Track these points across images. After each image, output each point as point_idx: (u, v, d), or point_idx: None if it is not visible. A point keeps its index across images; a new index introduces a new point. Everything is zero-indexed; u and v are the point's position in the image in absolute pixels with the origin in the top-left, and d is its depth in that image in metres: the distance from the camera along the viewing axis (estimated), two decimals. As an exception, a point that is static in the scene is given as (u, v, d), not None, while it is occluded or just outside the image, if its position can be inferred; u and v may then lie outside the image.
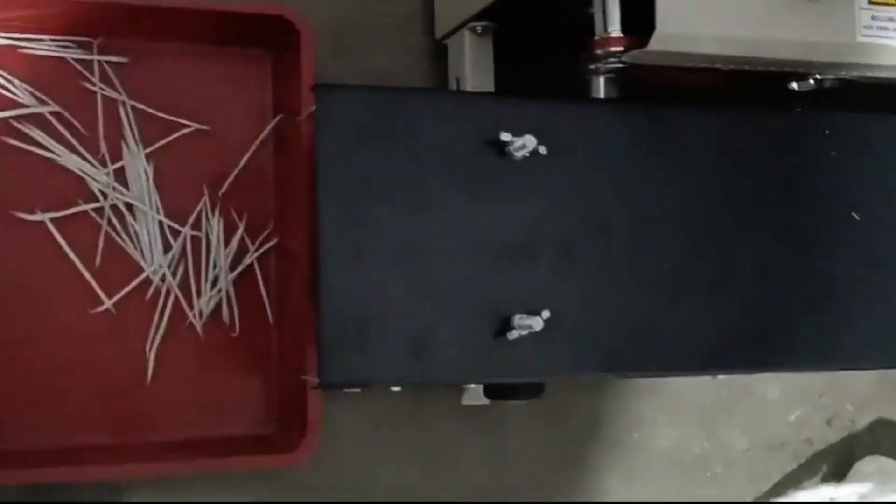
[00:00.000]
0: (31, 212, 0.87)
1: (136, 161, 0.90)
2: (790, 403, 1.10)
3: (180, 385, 0.91)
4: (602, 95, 0.82)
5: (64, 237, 0.88)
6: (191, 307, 0.92)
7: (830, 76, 0.81)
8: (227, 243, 0.93)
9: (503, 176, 0.78)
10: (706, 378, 1.06)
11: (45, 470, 0.82)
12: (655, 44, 0.74)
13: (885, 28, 0.77)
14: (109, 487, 0.89)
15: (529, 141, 0.76)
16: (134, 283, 0.90)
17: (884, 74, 0.80)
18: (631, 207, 0.81)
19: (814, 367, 0.90)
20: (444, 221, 0.77)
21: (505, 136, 0.77)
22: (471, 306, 0.77)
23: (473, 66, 0.91)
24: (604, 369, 0.81)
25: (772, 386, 1.09)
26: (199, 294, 0.92)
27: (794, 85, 0.82)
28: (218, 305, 0.92)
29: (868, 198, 0.85)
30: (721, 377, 1.03)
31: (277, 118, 0.94)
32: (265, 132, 0.94)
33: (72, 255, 0.88)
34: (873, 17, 0.77)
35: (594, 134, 0.81)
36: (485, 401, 0.93)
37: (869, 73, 0.80)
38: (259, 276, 0.94)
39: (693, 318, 0.81)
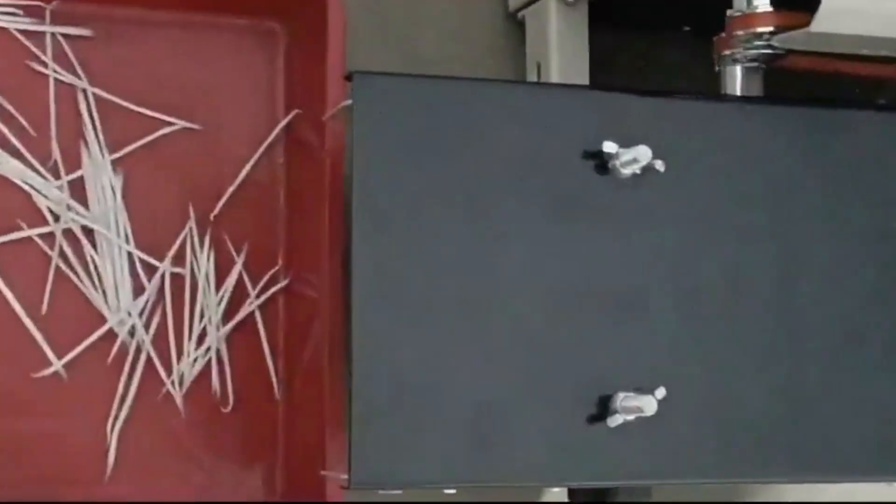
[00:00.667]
0: None
1: (100, 171, 0.91)
2: None
3: (152, 480, 0.91)
4: (739, 92, 0.84)
5: (1, 272, 0.89)
6: (169, 372, 0.92)
7: None
8: (219, 285, 0.94)
9: (604, 200, 0.79)
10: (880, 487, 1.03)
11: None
12: (821, 22, 0.75)
13: None
14: None
15: (642, 153, 0.77)
16: (93, 338, 0.90)
17: None
18: (777, 245, 0.82)
19: None
20: (520, 260, 0.78)
21: (609, 147, 0.78)
22: (556, 379, 0.78)
23: (562, 48, 0.93)
24: (735, 471, 0.82)
25: None
26: (179, 354, 0.92)
27: None
28: (206, 370, 0.93)
29: None
30: None
31: (291, 115, 0.95)
32: (274, 134, 0.95)
33: (10, 296, 0.89)
34: None
35: (729, 144, 0.82)
36: None
37: None
38: (262, 331, 0.94)
39: (856, 402, 0.82)
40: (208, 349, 0.93)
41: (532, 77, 0.95)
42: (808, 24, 0.75)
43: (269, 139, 0.95)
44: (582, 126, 0.79)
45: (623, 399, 0.77)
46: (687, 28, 0.90)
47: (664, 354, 0.80)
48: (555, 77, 0.92)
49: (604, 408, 0.77)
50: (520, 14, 0.98)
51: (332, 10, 0.88)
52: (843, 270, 0.83)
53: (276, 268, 0.95)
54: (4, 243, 0.89)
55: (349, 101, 0.77)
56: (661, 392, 0.77)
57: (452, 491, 0.82)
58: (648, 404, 0.76)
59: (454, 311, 0.77)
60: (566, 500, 0.93)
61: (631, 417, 0.76)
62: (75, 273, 0.90)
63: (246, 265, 0.94)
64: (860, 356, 0.83)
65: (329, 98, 0.87)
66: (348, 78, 0.77)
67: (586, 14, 0.94)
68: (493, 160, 0.78)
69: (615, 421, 0.76)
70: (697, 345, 0.80)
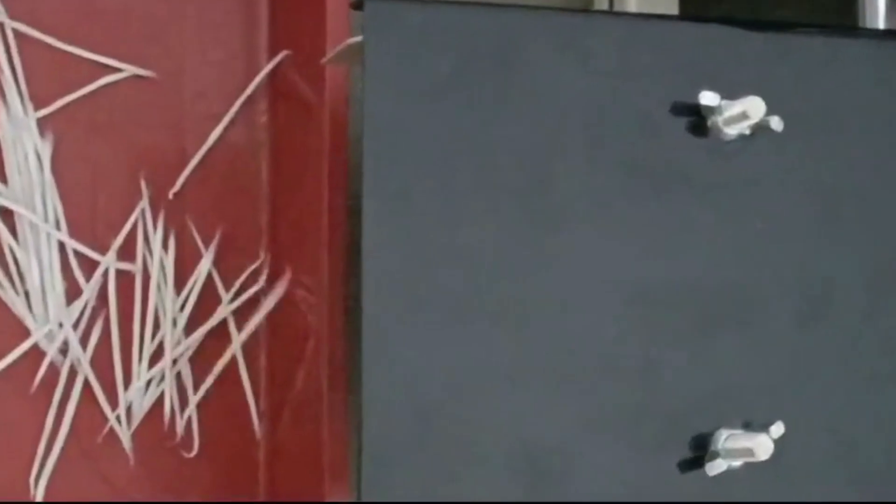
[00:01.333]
0: None
1: (22, 133, 0.92)
2: None
3: None
4: (883, 24, 0.85)
5: None
6: (113, 403, 0.93)
7: None
8: (180, 286, 0.95)
9: (700, 170, 0.79)
10: None
11: None
12: None
13: None
14: None
15: (752, 107, 0.77)
16: (12, 357, 0.91)
17: None
18: None
19: None
20: (585, 250, 0.78)
21: (708, 100, 0.77)
22: (634, 411, 0.78)
23: None
24: None
25: None
26: (127, 379, 0.93)
27: None
28: (163, 400, 0.94)
29: None
30: None
31: (278, 58, 0.97)
32: (255, 84, 0.97)
33: None
34: None
35: (868, 95, 0.82)
36: None
37: None
38: (238, 348, 0.96)
39: None
40: (166, 372, 0.94)
41: (602, 7, 0.96)
42: None
43: (248, 91, 0.97)
44: (670, 71, 0.78)
45: (727, 439, 0.76)
46: None
47: (783, 377, 0.79)
48: (632, 6, 0.93)
49: (701, 450, 0.77)
50: None
51: None
52: None
53: (258, 262, 0.97)
54: None
55: (358, 38, 0.76)
56: (778, 429, 0.76)
57: None
58: (762, 446, 0.75)
59: (498, 320, 0.76)
60: None
61: (737, 463, 0.76)
62: None
63: (216, 259, 0.96)
64: None
65: (329, 34, 0.88)
66: (357, 6, 0.75)
67: None
68: (548, 116, 0.77)
69: (716, 468, 0.76)
70: (827, 366, 0.80)
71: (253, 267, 0.96)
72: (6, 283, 0.91)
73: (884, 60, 0.84)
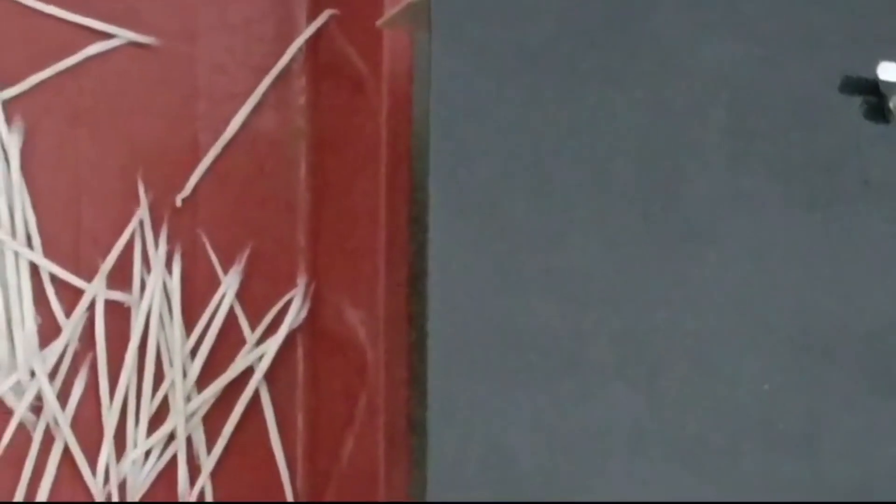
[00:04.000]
0: None
1: None
2: None
3: None
4: None
5: None
6: (102, 478, 0.94)
7: None
8: (190, 323, 0.95)
9: (881, 167, 0.81)
10: None
11: None
12: None
13: None
14: None
15: None
16: None
17: None
18: None
19: None
20: (727, 273, 0.79)
21: (889, 73, 0.79)
22: (796, 487, 0.79)
23: None
24: None
25: None
26: (120, 446, 0.96)
27: None
28: (168, 473, 0.95)
29: None
30: None
31: (320, 20, 0.99)
32: (290, 53, 0.99)
33: None
34: None
35: None
36: None
37: None
38: (268, 405, 0.96)
39: None
40: (172, 437, 0.94)
41: None
42: None
43: (281, 63, 0.99)
44: (841, 38, 0.80)
45: None
46: None
47: None
48: None
49: None
50: None
51: None
52: None
53: (293, 292, 0.97)
54: None
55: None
56: None
57: None
58: None
59: (604, 370, 0.78)
60: None
61: None
62: None
63: (240, 287, 0.96)
64: None
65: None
66: None
67: None
68: (678, 98, 0.79)
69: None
70: None
71: (288, 297, 0.96)
72: None
73: None
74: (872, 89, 0.78)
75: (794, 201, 0.80)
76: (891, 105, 0.78)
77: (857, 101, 0.80)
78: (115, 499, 0.96)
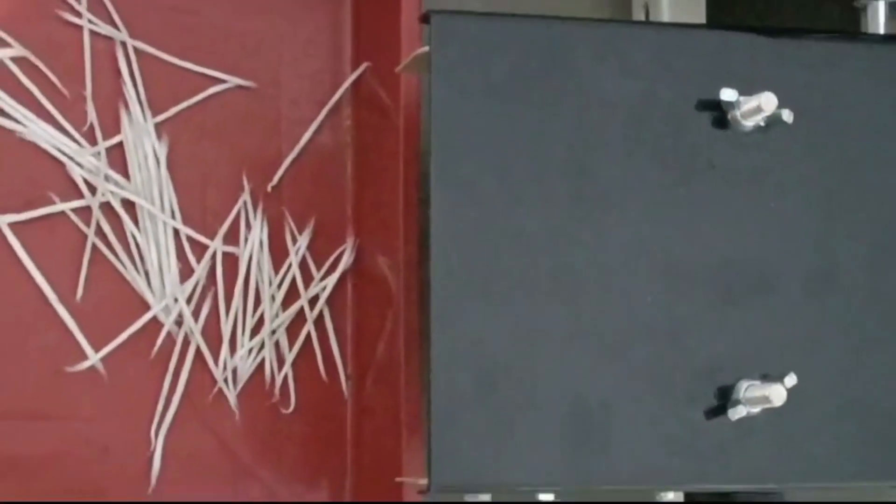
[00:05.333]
0: None
1: (142, 136, 0.92)
2: None
3: (202, 493, 0.93)
4: (883, 30, 0.84)
5: (29, 252, 0.90)
6: (221, 367, 0.94)
7: None
8: (278, 267, 0.95)
9: (722, 157, 0.79)
10: None
11: None
12: None
13: None
14: None
15: (766, 102, 0.77)
16: (134, 328, 0.92)
17: None
18: None
19: None
20: (626, 229, 0.79)
21: (728, 95, 0.78)
22: (668, 367, 0.78)
23: None
24: (882, 474, 0.82)
25: None
26: (233, 346, 0.94)
27: None
28: (264, 365, 0.94)
29: None
30: None
31: (360, 69, 0.96)
32: (341, 91, 0.97)
33: (41, 280, 0.90)
34: None
35: (870, 92, 0.82)
36: None
37: None
38: (328, 319, 0.96)
39: None
40: (266, 340, 0.94)
41: (639, 16, 0.95)
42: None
43: (335, 98, 0.97)
44: (696, 71, 0.79)
45: (747, 388, 0.77)
46: None
47: (794, 338, 0.79)
48: (665, 16, 0.93)
49: (724, 399, 0.77)
50: None
51: None
52: None
53: (344, 246, 0.97)
54: (34, 219, 0.90)
55: (426, 48, 0.77)
56: (791, 380, 0.76)
57: (550, 497, 0.81)
58: (776, 394, 0.76)
59: (550, 291, 0.77)
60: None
61: (756, 409, 0.77)
62: (114, 253, 0.92)
63: (309, 243, 0.96)
64: None
65: (403, 46, 0.88)
66: (425, 19, 0.76)
67: None
68: (594, 113, 0.78)
69: (737, 413, 0.77)
70: (834, 326, 0.80)
71: (340, 250, 0.96)
72: (129, 265, 0.91)
73: (882, 61, 0.83)
74: (717, 106, 0.78)
75: (667, 180, 0.79)
76: (728, 117, 0.78)
77: (707, 115, 0.79)
78: (230, 382, 0.92)
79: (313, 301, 0.96)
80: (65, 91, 0.91)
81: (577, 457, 0.77)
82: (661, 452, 0.78)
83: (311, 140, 0.96)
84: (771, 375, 0.77)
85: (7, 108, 0.90)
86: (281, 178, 0.95)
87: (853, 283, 0.81)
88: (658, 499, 0.92)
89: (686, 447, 0.78)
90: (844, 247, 0.81)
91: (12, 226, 0.89)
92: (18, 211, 0.90)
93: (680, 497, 0.92)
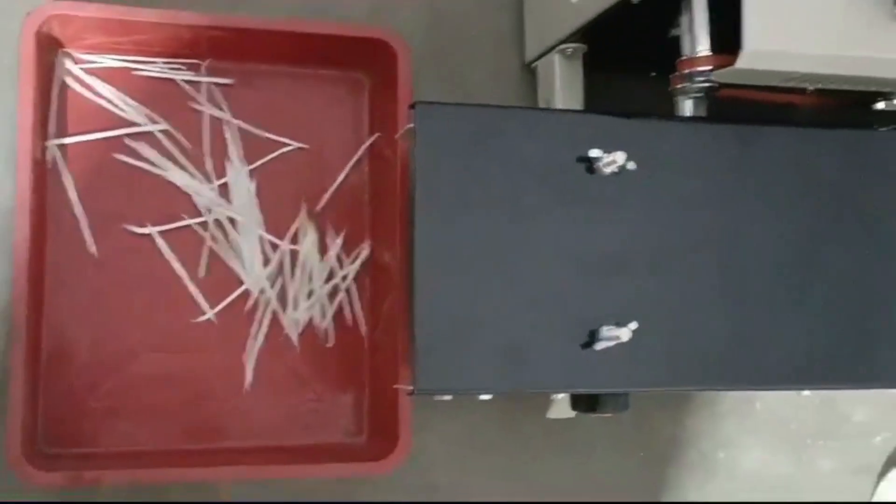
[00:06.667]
0: (141, 225, 0.90)
1: (240, 177, 0.93)
2: (876, 425, 1.09)
3: (275, 394, 0.92)
4: (689, 114, 0.83)
5: (170, 249, 0.91)
6: (288, 319, 0.93)
7: None
8: (322, 257, 0.94)
9: (593, 191, 0.79)
10: (791, 399, 1.06)
11: (149, 471, 0.85)
12: (743, 62, 0.73)
13: None
14: (207, 489, 0.90)
15: (619, 157, 0.78)
16: (234, 295, 0.92)
17: None
18: (717, 223, 0.82)
19: None
20: (537, 234, 0.78)
21: (594, 153, 0.78)
22: (561, 317, 0.78)
23: (563, 88, 0.92)
24: (688, 382, 0.81)
25: (858, 408, 1.08)
26: (295, 306, 0.93)
27: (881, 104, 0.82)
28: (313, 318, 0.94)
29: None
30: (806, 393, 1.03)
31: (374, 136, 0.95)
32: (362, 150, 0.96)
33: (177, 266, 0.91)
34: None
35: (682, 151, 0.81)
36: (571, 414, 0.93)
37: None
38: (353, 290, 0.95)
39: (778, 333, 0.82)
40: (315, 303, 0.94)
41: (542, 103, 0.95)
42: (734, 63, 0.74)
43: (358, 155, 0.96)
44: (577, 138, 0.79)
45: (606, 330, 0.77)
46: (653, 73, 0.90)
47: (637, 299, 0.79)
48: (559, 106, 0.93)
49: (593, 336, 0.78)
50: (533, 65, 0.98)
51: (401, 62, 0.90)
52: (763, 239, 0.82)
53: (362, 246, 0.96)
54: (173, 229, 0.91)
55: (413, 124, 0.77)
56: (633, 325, 0.77)
57: (488, 397, 0.82)
58: (623, 334, 0.77)
59: (490, 270, 0.77)
60: (569, 406, 0.92)
61: (611, 343, 0.77)
62: (222, 250, 0.92)
63: (342, 244, 0.95)
64: (777, 297, 0.82)
65: (399, 123, 0.88)
66: (412, 107, 0.77)
67: (581, 63, 0.93)
68: (517, 162, 0.78)
69: (600, 346, 0.77)
70: (661, 292, 0.80)
71: (360, 248, 0.95)
72: (231, 255, 0.92)
73: (690, 133, 0.82)
74: (588, 160, 0.78)
75: (562, 205, 0.78)
76: (594, 166, 0.78)
77: (583, 165, 0.79)
78: (293, 328, 0.92)
79: (344, 279, 0.95)
80: (192, 150, 0.92)
81: (507, 372, 0.77)
82: (557, 370, 0.78)
83: (343, 181, 0.95)
84: (621, 323, 0.78)
85: (157, 161, 0.91)
86: (324, 204, 0.95)
87: (678, 266, 0.80)
88: (552, 399, 0.94)
89: (571, 366, 0.78)
90: (673, 242, 0.80)
91: (161, 233, 0.90)
92: (164, 224, 0.91)
93: (567, 404, 0.93)
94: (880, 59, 0.76)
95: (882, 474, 1.08)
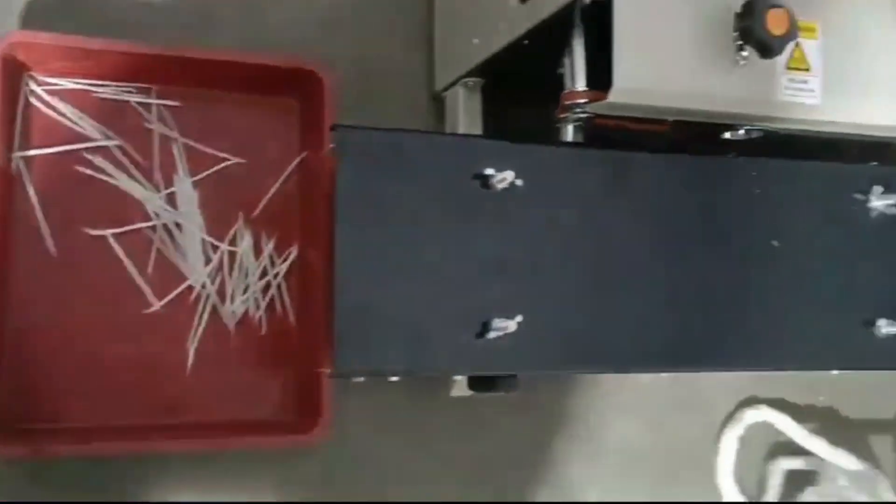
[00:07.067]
0: (97, 228, 0.89)
1: (185, 187, 0.92)
2: (724, 401, 1.12)
3: (215, 375, 0.92)
4: (570, 140, 0.83)
5: (123, 249, 0.90)
6: (226, 310, 0.93)
7: (757, 127, 0.83)
8: (257, 257, 0.94)
9: (487, 203, 0.80)
10: (659, 379, 1.08)
11: (98, 444, 0.85)
12: (614, 97, 0.75)
13: (800, 89, 0.80)
14: (154, 462, 0.90)
15: (508, 175, 0.78)
16: (179, 289, 0.91)
17: (797, 127, 0.83)
18: (592, 232, 0.83)
19: (744, 367, 0.92)
20: (440, 238, 0.79)
21: (488, 171, 0.79)
22: (458, 311, 0.78)
23: (465, 114, 0.93)
24: (567, 366, 0.84)
25: (712, 388, 1.11)
26: (232, 299, 0.93)
27: (727, 134, 0.84)
28: (248, 309, 0.93)
29: (786, 227, 0.87)
30: (665, 375, 1.05)
31: (303, 154, 0.95)
32: (292, 165, 0.96)
33: (129, 264, 0.90)
34: (790, 80, 0.79)
35: (562, 171, 0.82)
36: (469, 393, 0.93)
37: (787, 126, 0.83)
38: (283, 285, 0.95)
39: (644, 325, 0.83)
40: (249, 296, 0.94)
41: (449, 130, 0.96)
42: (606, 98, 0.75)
43: (289, 169, 0.95)
44: (475, 159, 0.79)
45: (496, 322, 0.78)
46: (543, 104, 0.87)
47: (523, 295, 0.80)
48: (461, 131, 0.93)
49: (485, 327, 0.78)
50: (442, 95, 0.98)
51: (327, 90, 0.90)
52: (630, 245, 0.83)
53: (292, 247, 0.95)
54: (126, 232, 0.90)
55: (334, 145, 0.77)
56: (519, 318, 0.78)
57: (396, 379, 0.82)
58: (510, 325, 0.77)
59: (399, 270, 0.77)
60: (467, 386, 0.92)
61: (501, 333, 0.78)
62: (168, 250, 0.92)
63: (274, 246, 0.95)
64: (641, 295, 0.83)
65: (325, 143, 0.87)
66: (333, 129, 0.77)
67: (480, 94, 0.94)
68: (423, 178, 0.78)
69: (491, 335, 0.78)
70: (543, 290, 0.80)
71: (290, 249, 0.95)
72: (177, 255, 0.91)
73: (568, 156, 0.82)
74: (484, 177, 0.77)
75: (467, 213, 0.77)
76: (489, 182, 0.78)
77: (478, 181, 0.78)
78: (230, 318, 0.91)
79: (275, 276, 0.94)
80: (143, 163, 0.91)
81: (412, 358, 0.77)
82: (456, 355, 0.78)
83: (275, 191, 0.95)
84: (509, 315, 0.78)
85: (112, 172, 0.90)
86: (259, 212, 0.94)
87: (558, 268, 0.81)
88: (453, 380, 0.95)
89: (467, 353, 0.78)
90: (554, 247, 0.81)
91: (115, 235, 0.90)
92: (118, 227, 0.90)
93: (465, 384, 0.92)
94: (724, 96, 0.79)
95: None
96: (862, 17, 0.82)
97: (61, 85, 0.90)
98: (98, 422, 0.88)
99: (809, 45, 0.80)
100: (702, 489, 1.09)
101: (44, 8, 0.88)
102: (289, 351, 0.94)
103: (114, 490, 0.89)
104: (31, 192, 0.88)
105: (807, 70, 0.80)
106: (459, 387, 0.96)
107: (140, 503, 0.89)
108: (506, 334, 0.78)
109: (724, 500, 1.07)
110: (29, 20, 0.88)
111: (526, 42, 0.80)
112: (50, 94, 0.89)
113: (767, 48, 0.76)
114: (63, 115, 0.89)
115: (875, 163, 0.91)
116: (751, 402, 1.11)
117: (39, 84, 0.89)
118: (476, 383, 0.90)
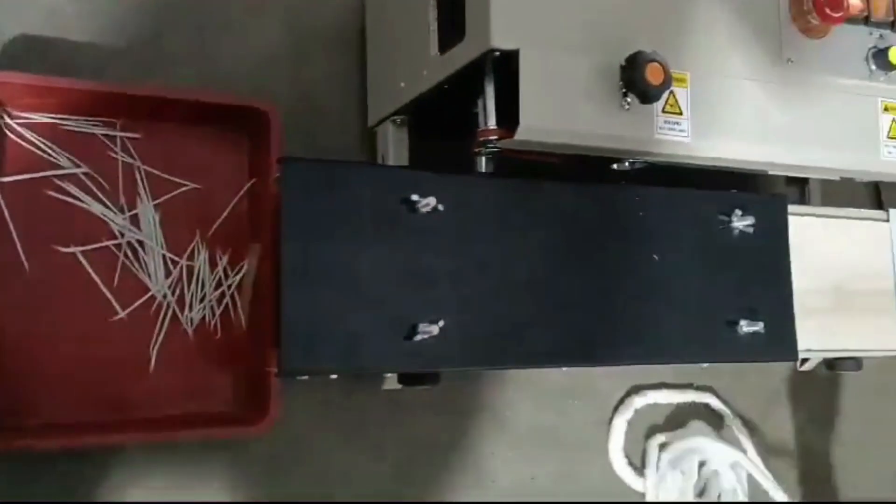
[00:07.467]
0: (66, 245, 0.88)
1: (147, 210, 0.91)
2: (616, 390, 1.14)
3: (175, 375, 0.91)
4: (483, 170, 0.86)
5: (90, 265, 0.89)
6: (185, 317, 0.92)
7: (639, 160, 0.87)
8: (212, 270, 0.93)
9: (414, 225, 0.81)
10: (562, 373, 1.09)
11: (65, 439, 0.84)
12: (520, 135, 0.77)
13: (673, 129, 0.83)
14: (118, 452, 0.89)
15: (431, 201, 0.81)
16: (142, 300, 0.90)
17: (672, 160, 0.86)
18: (503, 249, 0.85)
19: (631, 361, 0.94)
20: (373, 255, 0.80)
21: (414, 197, 0.81)
22: (390, 317, 0.80)
23: (394, 147, 0.93)
24: (483, 363, 0.85)
25: (604, 379, 1.14)
26: (190, 307, 0.92)
27: (615, 166, 0.88)
28: (205, 316, 0.93)
29: (664, 243, 0.90)
30: (565, 369, 1.07)
31: (252, 181, 0.94)
32: (243, 191, 0.95)
33: (96, 277, 0.89)
34: (665, 122, 0.82)
35: (477, 196, 0.84)
36: (398, 387, 0.94)
37: (663, 160, 0.86)
38: (235, 294, 0.94)
39: (547, 327, 0.85)
40: (206, 305, 0.93)
41: (380, 161, 0.95)
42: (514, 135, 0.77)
43: (240, 194, 0.94)
44: (403, 186, 0.81)
45: (422, 326, 0.79)
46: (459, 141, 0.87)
47: (445, 304, 0.81)
48: (391, 162, 0.93)
49: (413, 331, 0.79)
50: (374, 129, 0.97)
51: (273, 125, 0.89)
52: (536, 259, 0.84)
53: (244, 261, 0.93)
54: (93, 249, 0.89)
55: (279, 174, 0.79)
56: (441, 322, 0.80)
57: (335, 377, 0.83)
58: (434, 329, 0.79)
59: (337, 282, 0.78)
60: (397, 381, 0.93)
61: (426, 336, 0.79)
62: (132, 265, 0.90)
63: (228, 261, 0.93)
64: (546, 302, 0.84)
65: (272, 171, 0.87)
66: (279, 161, 0.79)
67: (407, 130, 0.93)
68: (358, 203, 0.79)
69: (418, 338, 0.79)
70: (461, 299, 0.82)
71: (242, 264, 0.93)
72: (141, 269, 0.90)
73: (482, 184, 0.84)
74: (411, 202, 0.79)
75: (397, 234, 0.78)
76: (415, 207, 0.79)
77: (406, 206, 0.79)
78: (189, 324, 0.89)
79: (229, 287, 0.93)
80: (108, 188, 0.90)
81: (349, 358, 0.77)
82: (387, 355, 0.79)
83: (230, 212, 0.94)
84: (433, 321, 0.79)
85: (81, 196, 0.89)
86: (214, 231, 0.93)
87: (474, 280, 0.82)
88: (385, 376, 0.95)
89: (397, 353, 0.79)
90: (470, 262, 0.82)
91: (83, 252, 0.89)
92: (86, 244, 0.89)
93: (395, 379, 0.94)
94: (612, 135, 0.82)
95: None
96: (726, 69, 0.85)
97: (34, 119, 0.88)
98: (68, 419, 0.87)
99: (681, 93, 0.83)
100: (598, 464, 1.11)
101: (16, 52, 0.88)
102: (240, 352, 0.93)
103: (85, 481, 0.88)
104: (7, 214, 0.87)
105: (679, 114, 0.83)
106: (390, 381, 0.97)
107: (117, 503, 0.87)
108: (430, 337, 0.80)
109: (616, 470, 1.10)
110: (2, 62, 0.88)
111: (445, 86, 0.82)
112: (23, 126, 0.88)
113: (647, 96, 0.78)
114: (35, 145, 0.88)
115: (734, 190, 0.94)
116: (637, 389, 1.13)
117: (13, 118, 0.88)
118: (405, 379, 0.92)
